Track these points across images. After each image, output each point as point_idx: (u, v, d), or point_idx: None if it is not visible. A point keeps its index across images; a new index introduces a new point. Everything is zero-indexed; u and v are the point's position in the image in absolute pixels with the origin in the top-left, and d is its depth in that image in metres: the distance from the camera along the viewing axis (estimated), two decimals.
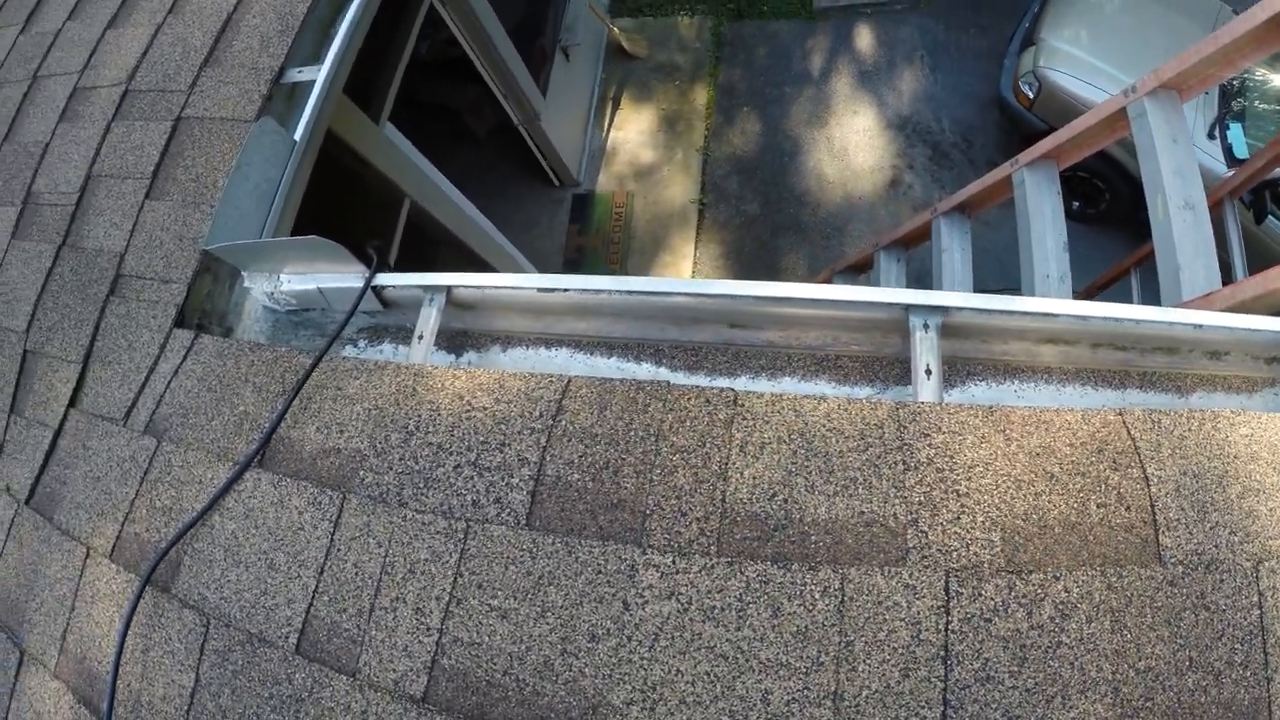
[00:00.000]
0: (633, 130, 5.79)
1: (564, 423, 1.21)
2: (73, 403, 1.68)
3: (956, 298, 1.33)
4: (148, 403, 1.57)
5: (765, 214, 5.39)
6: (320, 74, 1.75)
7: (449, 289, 1.39)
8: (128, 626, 1.37)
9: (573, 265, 5.04)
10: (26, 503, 1.65)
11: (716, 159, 5.67)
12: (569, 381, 1.24)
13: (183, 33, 2.03)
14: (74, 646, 1.49)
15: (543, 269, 4.37)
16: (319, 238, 1.40)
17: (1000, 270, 4.41)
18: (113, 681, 1.34)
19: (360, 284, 1.44)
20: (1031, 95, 4.70)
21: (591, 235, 5.23)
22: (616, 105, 5.88)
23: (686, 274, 5.11)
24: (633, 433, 1.19)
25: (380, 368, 1.36)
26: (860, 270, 3.85)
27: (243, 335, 1.62)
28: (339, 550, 1.25)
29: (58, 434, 1.66)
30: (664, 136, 5.75)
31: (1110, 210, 4.83)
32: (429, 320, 1.39)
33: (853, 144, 5.57)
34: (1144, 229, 4.50)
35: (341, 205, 1.98)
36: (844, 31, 6.11)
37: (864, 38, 6.06)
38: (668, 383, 1.22)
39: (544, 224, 5.29)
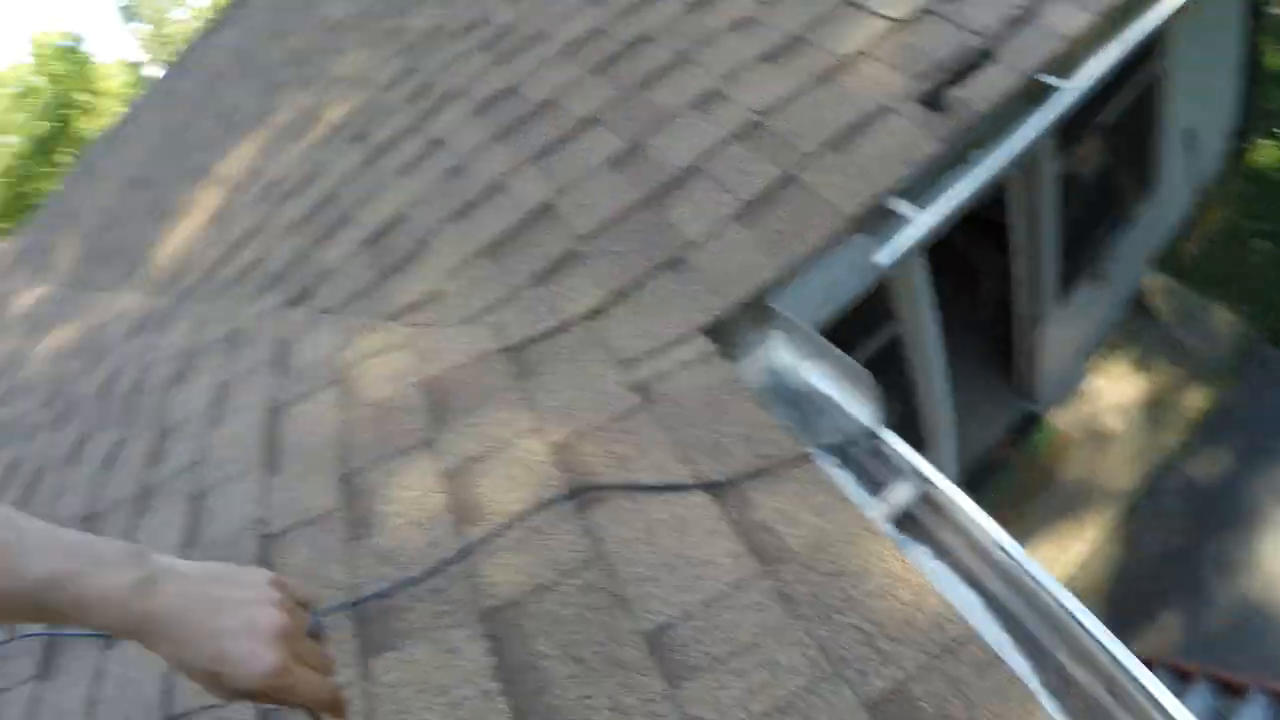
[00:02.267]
0: (1112, 386, 5.46)
1: (944, 664, 1.36)
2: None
3: None
4: (645, 368, 1.92)
5: (1181, 555, 4.95)
6: (918, 223, 2.00)
7: (930, 486, 1.58)
8: None
9: (986, 471, 4.90)
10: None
11: (1173, 470, 5.24)
12: (970, 632, 1.39)
13: (820, 103, 2.36)
14: None
15: (960, 451, 4.22)
16: (864, 369, 1.65)
17: None
18: None
19: (862, 422, 1.68)
20: None
21: (1021, 455, 5.11)
22: (1112, 352, 5.58)
23: (1072, 560, 4.92)
24: (987, 712, 1.32)
25: (833, 495, 1.58)
26: (1233, 693, 3.62)
27: (739, 374, 1.93)
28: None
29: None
30: (1136, 412, 5.37)
31: None
32: (899, 492, 1.60)
33: None
34: None
35: None
36: None
37: None
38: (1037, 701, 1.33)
39: (982, 414, 4.93)
